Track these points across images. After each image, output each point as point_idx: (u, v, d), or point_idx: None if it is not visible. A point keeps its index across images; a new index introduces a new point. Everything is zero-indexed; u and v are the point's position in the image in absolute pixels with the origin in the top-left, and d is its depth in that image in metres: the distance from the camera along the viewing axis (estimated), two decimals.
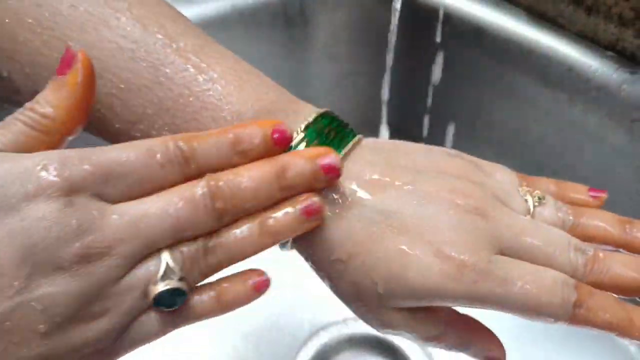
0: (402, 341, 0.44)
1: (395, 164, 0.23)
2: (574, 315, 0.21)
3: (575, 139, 0.42)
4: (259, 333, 0.46)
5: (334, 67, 0.55)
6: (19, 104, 0.22)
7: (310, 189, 0.21)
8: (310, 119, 0.22)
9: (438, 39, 0.50)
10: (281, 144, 0.20)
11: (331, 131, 0.22)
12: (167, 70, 0.22)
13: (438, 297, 0.21)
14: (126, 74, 0.22)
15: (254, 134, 0.20)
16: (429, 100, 0.53)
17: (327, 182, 0.21)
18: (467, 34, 0.47)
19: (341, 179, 0.22)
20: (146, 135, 0.22)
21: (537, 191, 0.24)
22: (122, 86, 0.22)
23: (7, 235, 0.17)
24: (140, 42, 0.22)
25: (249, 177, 0.20)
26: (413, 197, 0.22)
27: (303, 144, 0.22)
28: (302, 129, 0.22)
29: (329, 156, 0.21)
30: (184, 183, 0.19)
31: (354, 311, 0.24)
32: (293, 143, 0.22)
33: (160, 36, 0.22)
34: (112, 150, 0.19)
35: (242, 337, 0.45)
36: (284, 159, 0.20)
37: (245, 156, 0.20)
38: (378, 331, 0.24)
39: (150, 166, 0.19)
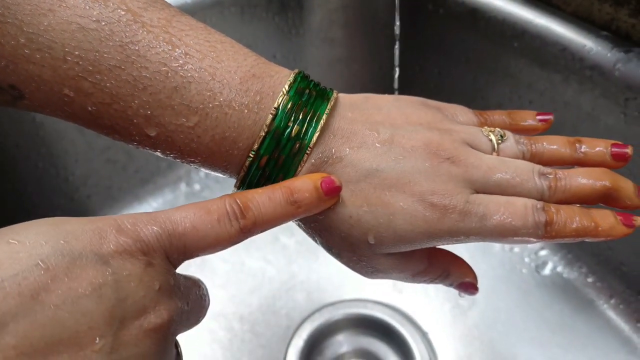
0: (396, 321, 0.44)
1: (372, 121, 0.24)
2: (546, 232, 0.23)
3: (569, 118, 0.42)
4: (254, 315, 0.46)
5: (328, 51, 0.55)
6: None
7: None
8: (291, 79, 0.23)
9: (433, 22, 0.50)
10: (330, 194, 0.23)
11: (311, 91, 0.24)
12: (137, 48, 0.21)
13: (426, 240, 0.23)
14: (93, 55, 0.21)
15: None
16: (424, 83, 0.53)
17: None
18: (462, 16, 0.47)
19: (327, 137, 0.23)
20: (122, 116, 0.22)
21: (497, 129, 0.26)
22: (91, 68, 0.21)
23: (99, 287, 0.16)
24: (102, 20, 0.21)
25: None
26: (391, 154, 0.23)
27: (289, 105, 0.23)
28: (286, 90, 0.23)
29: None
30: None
31: (345, 262, 0.25)
32: (280, 104, 0.23)
33: (122, 12, 0.21)
34: (175, 212, 0.20)
35: (238, 319, 0.46)
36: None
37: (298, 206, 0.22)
38: (369, 278, 0.26)
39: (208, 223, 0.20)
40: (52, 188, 0.49)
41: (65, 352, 0.15)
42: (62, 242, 0.17)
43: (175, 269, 0.20)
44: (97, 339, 0.16)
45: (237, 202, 0.21)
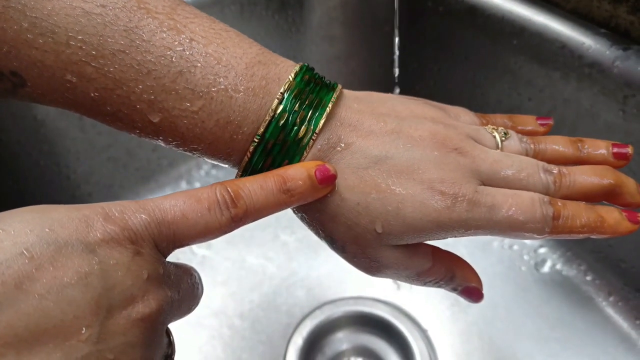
0: (396, 318, 0.44)
1: (378, 113, 0.24)
2: (554, 227, 0.23)
3: (568, 115, 0.43)
4: (255, 312, 0.46)
5: (328, 48, 0.55)
6: None
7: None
8: (297, 68, 0.23)
9: (432, 19, 0.50)
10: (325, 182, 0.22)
11: (317, 81, 0.24)
12: (142, 33, 0.21)
13: (435, 229, 0.23)
14: (97, 39, 0.20)
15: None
16: (423, 80, 0.53)
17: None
18: (462, 14, 0.47)
19: (334, 124, 0.23)
20: (125, 102, 0.21)
21: (500, 128, 0.26)
22: (94, 53, 0.20)
23: (85, 276, 0.16)
24: (107, 5, 0.21)
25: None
26: (399, 142, 0.23)
27: (295, 91, 0.23)
28: (293, 77, 0.23)
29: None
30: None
31: (348, 257, 0.25)
32: (286, 90, 0.22)
33: None
34: (164, 200, 0.19)
35: (239, 316, 0.46)
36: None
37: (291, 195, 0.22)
38: (371, 275, 0.25)
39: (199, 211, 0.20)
40: (53, 186, 0.49)
41: (51, 342, 0.15)
42: (47, 230, 0.16)
43: (165, 257, 0.20)
44: (84, 328, 0.16)
45: (228, 190, 0.20)
